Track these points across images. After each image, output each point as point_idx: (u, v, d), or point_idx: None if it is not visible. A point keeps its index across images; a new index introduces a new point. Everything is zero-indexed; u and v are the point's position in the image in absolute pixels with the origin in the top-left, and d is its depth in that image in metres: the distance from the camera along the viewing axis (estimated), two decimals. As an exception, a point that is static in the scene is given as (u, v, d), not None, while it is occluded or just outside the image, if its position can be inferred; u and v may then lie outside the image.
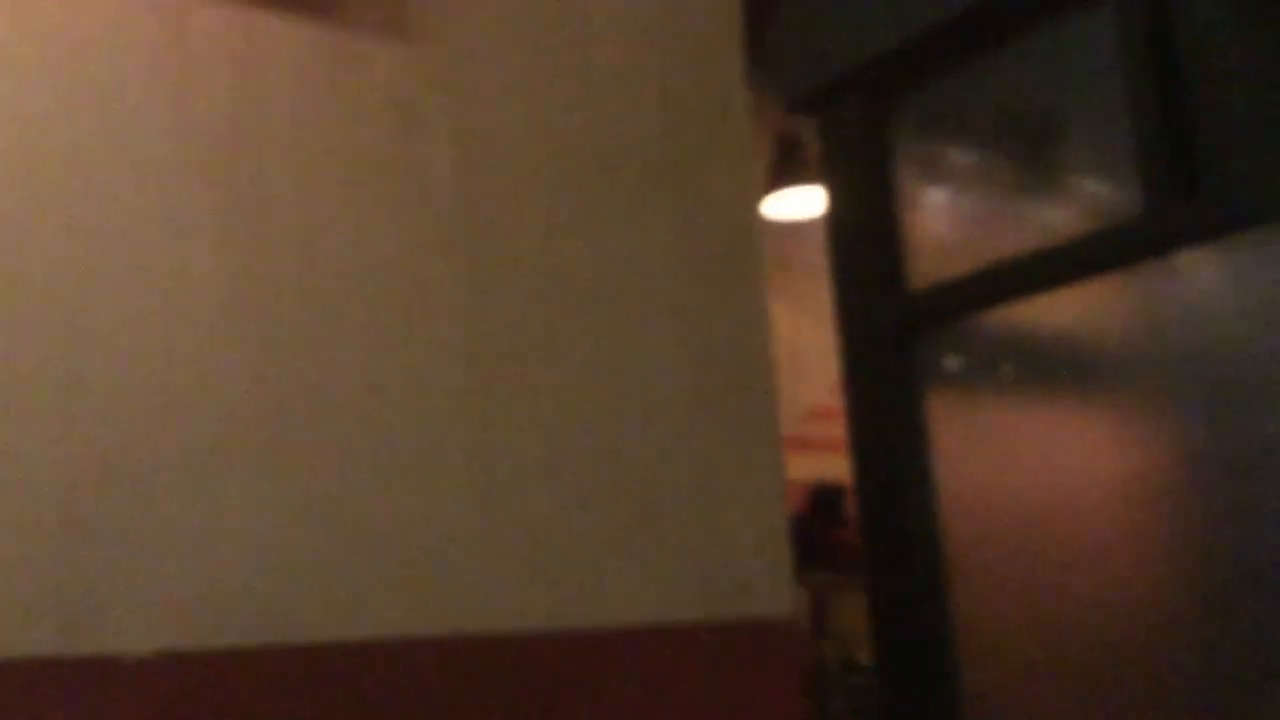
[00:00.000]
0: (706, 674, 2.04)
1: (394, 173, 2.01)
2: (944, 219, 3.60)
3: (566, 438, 2.06)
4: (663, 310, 2.15)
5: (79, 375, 1.79)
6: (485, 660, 1.93)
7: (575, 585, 2.00)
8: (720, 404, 2.19)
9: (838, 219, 3.68)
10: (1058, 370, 3.44)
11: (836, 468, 3.79)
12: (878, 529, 3.62)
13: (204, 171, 1.90)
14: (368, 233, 1.98)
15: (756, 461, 2.19)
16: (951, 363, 3.51)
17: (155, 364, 1.85)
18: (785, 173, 5.59)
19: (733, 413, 2.20)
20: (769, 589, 2.13)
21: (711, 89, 2.29)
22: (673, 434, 2.12)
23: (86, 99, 1.86)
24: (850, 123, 3.58)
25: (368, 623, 1.88)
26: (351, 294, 1.96)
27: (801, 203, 5.53)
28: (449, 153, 2.03)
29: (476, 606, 1.95)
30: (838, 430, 3.73)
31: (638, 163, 2.17)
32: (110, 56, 1.87)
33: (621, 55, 2.22)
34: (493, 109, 2.10)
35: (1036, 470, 3.35)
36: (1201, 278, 3.12)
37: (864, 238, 3.57)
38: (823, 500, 5.35)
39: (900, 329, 3.51)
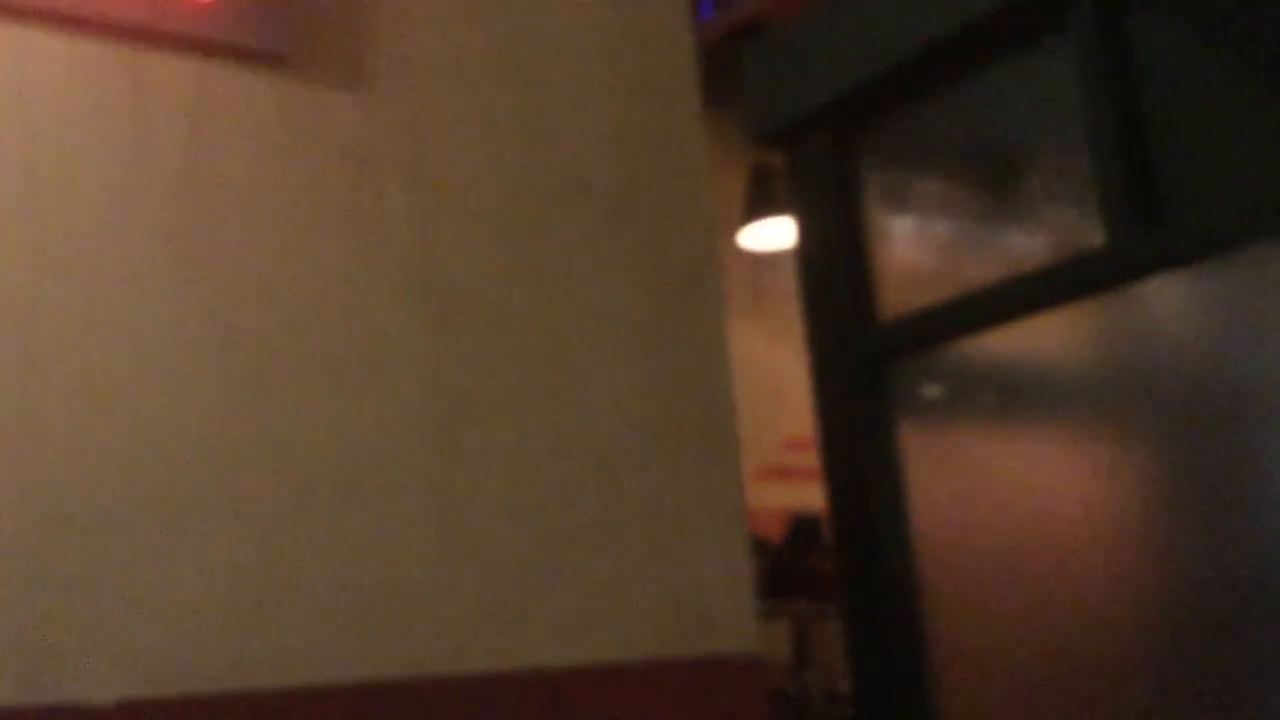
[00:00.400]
0: (672, 711, 2.05)
1: (351, 220, 2.03)
2: (912, 250, 3.63)
3: (528, 477, 2.07)
4: (622, 347, 2.16)
5: (36, 423, 1.81)
6: (450, 702, 1.94)
7: (539, 625, 2.01)
8: (681, 439, 2.20)
9: (807, 251, 3.71)
10: (1026, 397, 3.47)
11: (817, 497, 3.82)
12: (852, 557, 3.65)
13: (161, 222, 1.92)
14: (326, 280, 2.00)
15: (718, 496, 2.20)
16: (921, 391, 3.54)
17: (113, 413, 1.86)
18: (761, 204, 5.63)
19: (694, 448, 2.22)
20: (733, 624, 2.14)
21: (667, 125, 2.31)
22: (633, 470, 2.14)
23: (43, 153, 1.89)
24: (818, 156, 3.62)
25: (330, 667, 1.88)
26: (310, 341, 1.98)
27: (778, 233, 5.56)
28: (405, 198, 2.05)
29: (440, 648, 1.96)
30: (817, 459, 3.75)
31: (594, 200, 2.19)
32: (66, 110, 1.90)
33: (576, 95, 2.24)
34: (448, 154, 2.12)
35: (1007, 496, 3.37)
36: (1164, 306, 3.16)
37: (833, 269, 3.60)
38: (802, 529, 5.35)
39: (870, 359, 3.54)
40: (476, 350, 2.03)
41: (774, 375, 5.91)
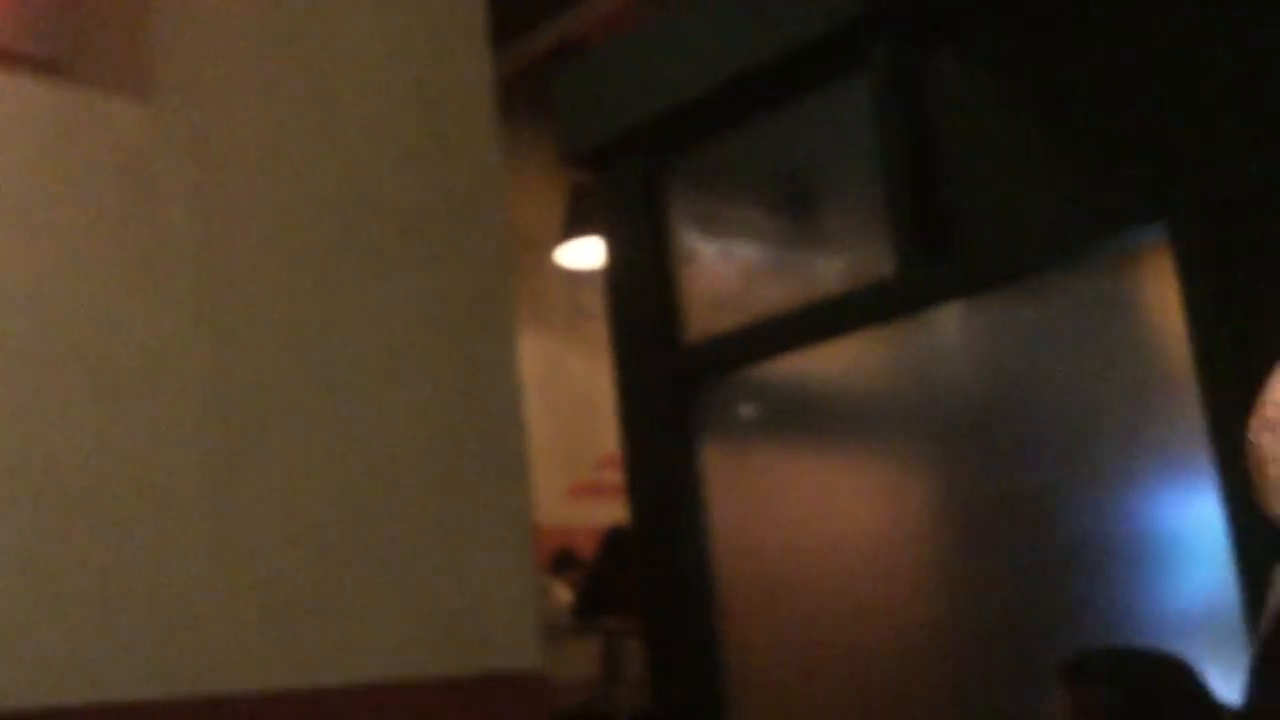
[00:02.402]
0: (451, 728, 2.07)
1: (131, 233, 1.98)
2: (717, 274, 3.71)
3: (309, 496, 2.05)
4: (410, 366, 2.17)
5: None
6: (222, 720, 1.92)
7: (317, 643, 1.99)
8: (468, 458, 2.22)
9: (615, 271, 3.77)
10: (822, 419, 3.58)
11: (631, 514, 3.86)
12: (653, 573, 3.70)
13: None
14: (100, 293, 1.96)
15: (504, 515, 2.22)
16: (723, 411, 3.62)
17: None
18: (580, 222, 5.67)
19: (480, 466, 2.23)
20: (514, 643, 2.15)
21: (463, 143, 2.32)
22: (417, 491, 2.14)
23: None
24: (627, 178, 3.68)
25: (97, 687, 1.84)
26: (80, 355, 1.93)
27: (597, 252, 5.60)
28: (189, 212, 2.02)
29: (214, 667, 1.93)
30: (626, 476, 3.79)
31: (386, 219, 2.19)
32: None
33: (369, 111, 2.24)
34: (236, 168, 2.10)
35: (804, 513, 3.47)
36: (950, 334, 3.30)
37: (640, 290, 3.66)
38: (615, 546, 5.39)
39: (674, 379, 3.61)
40: (257, 368, 2.01)
41: (591, 392, 5.95)
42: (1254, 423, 1.46)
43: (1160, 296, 2.75)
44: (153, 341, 2.00)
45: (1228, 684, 2.59)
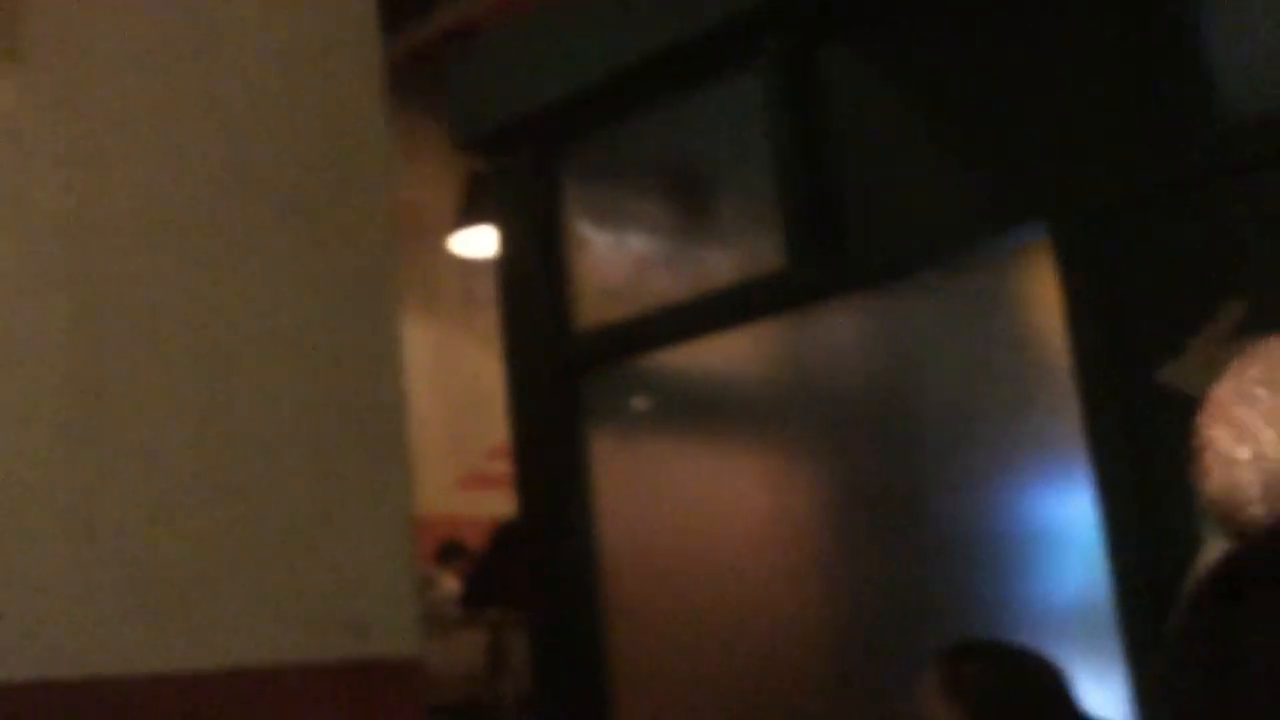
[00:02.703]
0: (323, 714, 2.02)
1: (-5, 199, 1.92)
2: (610, 264, 3.70)
3: (179, 475, 2.00)
4: (288, 347, 2.11)
5: None
6: (83, 705, 1.85)
7: (185, 626, 1.94)
8: (347, 442, 2.17)
9: (508, 259, 3.74)
10: (713, 411, 3.59)
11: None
12: (539, 564, 3.68)
13: None
14: (-39, 258, 1.89)
15: (383, 501, 2.18)
16: (613, 402, 3.61)
17: None
18: (476, 210, 5.63)
19: (360, 451, 2.19)
20: (393, 630, 2.12)
21: (350, 123, 2.28)
22: (293, 473, 2.09)
23: None
24: (521, 167, 3.64)
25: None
26: (-70, 327, 1.86)
27: (490, 240, 5.56)
28: (58, 179, 1.95)
29: (74, 650, 1.86)
30: (515, 467, 3.76)
31: (267, 196, 2.14)
32: None
33: (253, 85, 2.18)
34: (109, 135, 2.03)
35: (691, 506, 3.48)
36: (840, 328, 3.33)
37: (532, 280, 3.64)
38: (504, 537, 5.36)
39: (565, 369, 3.59)
40: (124, 341, 1.95)
41: (483, 382, 5.91)
42: (1203, 409, 1.54)
43: (1042, 296, 2.80)
44: (14, 314, 1.93)
45: (1097, 680, 2.66)
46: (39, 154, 1.99)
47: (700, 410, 3.57)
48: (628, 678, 3.51)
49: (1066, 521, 2.76)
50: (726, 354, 3.48)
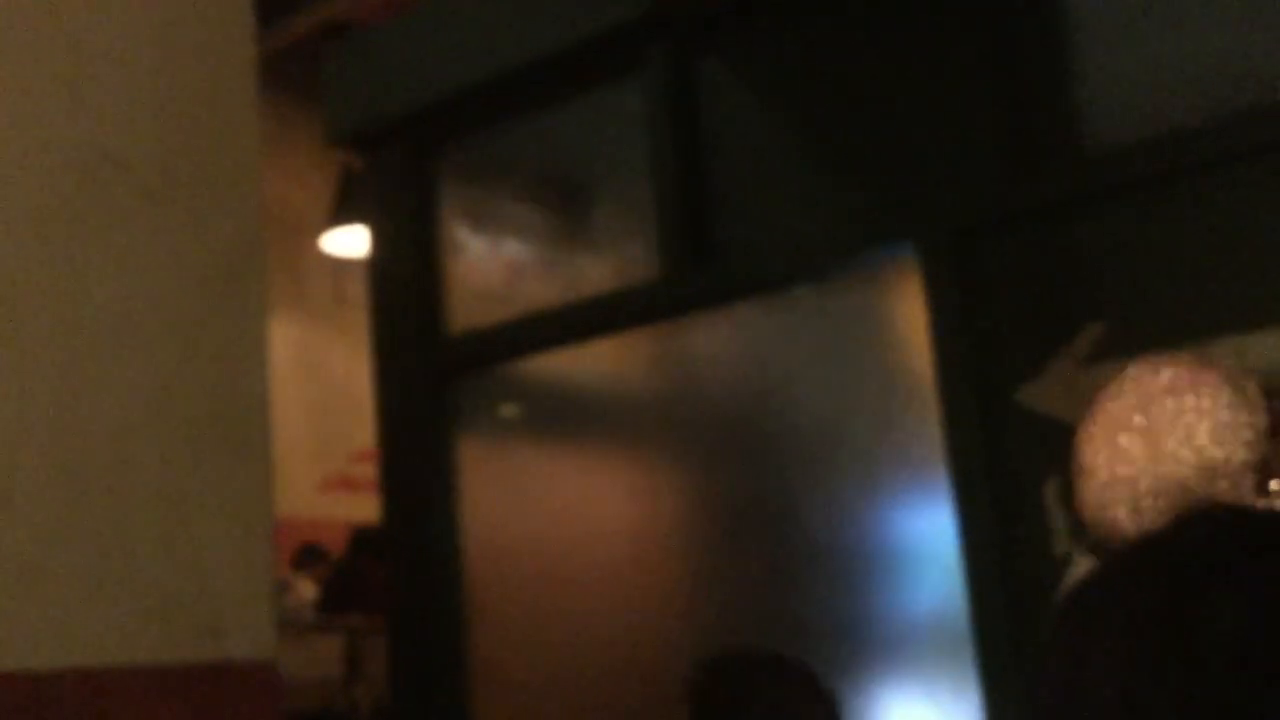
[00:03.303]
0: (174, 717, 1.95)
1: None
2: (484, 268, 3.67)
3: (26, 465, 1.91)
4: (147, 335, 2.04)
5: None
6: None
7: (25, 622, 1.85)
8: (207, 436, 2.10)
9: (379, 260, 3.68)
10: (582, 419, 3.57)
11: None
12: (401, 570, 3.62)
13: None
14: None
15: (242, 499, 2.11)
16: (482, 408, 3.58)
17: None
18: (349, 208, 5.53)
19: (220, 447, 2.12)
20: (247, 630, 2.05)
21: (218, 108, 2.21)
22: (149, 465, 2.02)
23: None
24: (394, 165, 3.59)
25: None
26: None
27: (363, 240, 5.47)
28: (-94, 157, 1.87)
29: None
30: (380, 471, 3.70)
31: (131, 179, 2.06)
32: None
33: (119, 64, 2.10)
34: (-37, 114, 1.95)
35: (556, 514, 3.46)
36: (711, 339, 3.34)
37: (404, 281, 3.58)
38: (364, 542, 5.28)
39: (434, 373, 3.54)
40: (-32, 320, 1.86)
41: (350, 384, 5.82)
42: (1081, 433, 1.61)
43: (908, 313, 2.85)
44: None
45: (953, 695, 2.71)
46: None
47: (569, 418, 3.55)
48: (486, 686, 3.48)
49: (926, 537, 2.81)
50: (597, 362, 3.47)
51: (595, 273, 3.48)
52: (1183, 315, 2.48)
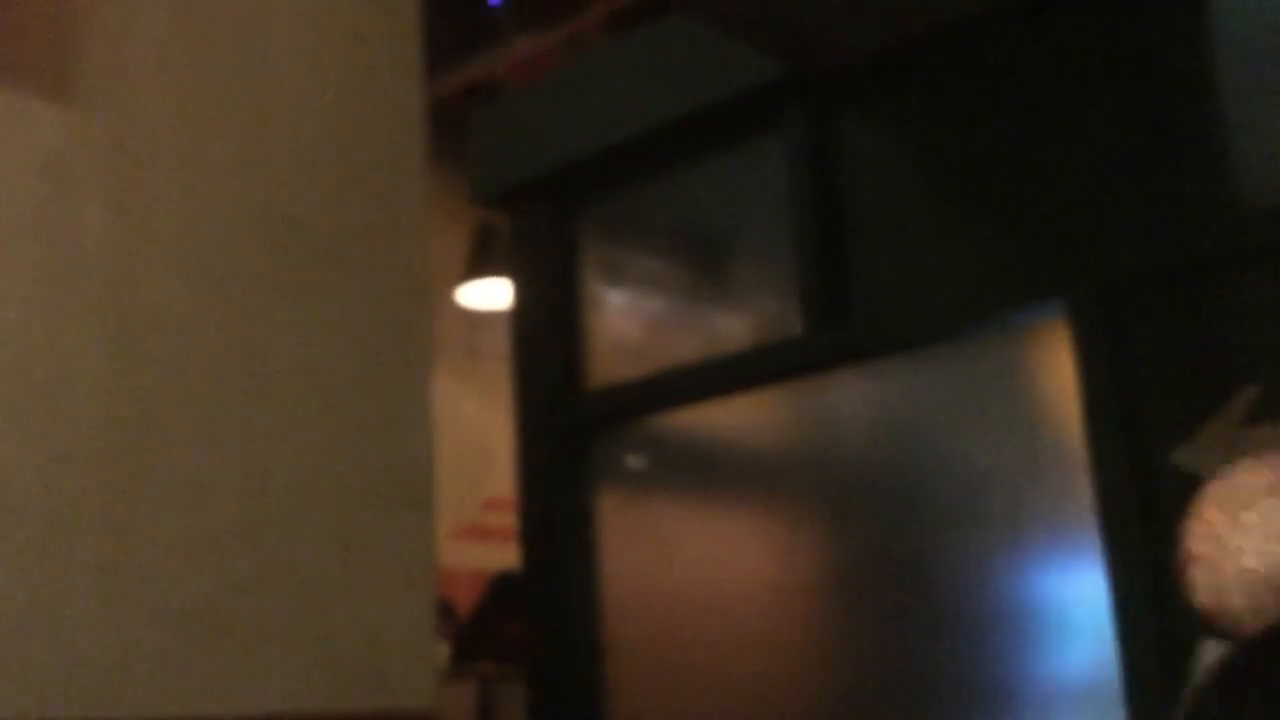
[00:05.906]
0: (338, 766, 2.02)
1: (42, 237, 1.92)
2: (624, 323, 3.72)
3: (209, 521, 1.99)
4: (322, 393, 2.13)
5: None
6: (106, 750, 1.84)
7: (201, 672, 1.93)
8: (375, 491, 2.18)
9: (522, 314, 3.75)
10: (721, 474, 3.59)
11: (514, 559, 3.82)
12: (540, 621, 3.67)
13: None
14: (7, 295, 1.89)
15: (408, 551, 2.18)
16: (622, 461, 3.62)
17: None
18: (483, 262, 5.66)
19: (387, 500, 2.19)
20: (410, 681, 2.11)
21: (388, 173, 2.30)
22: (322, 518, 2.09)
23: None
24: (538, 222, 3.67)
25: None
26: (-19, 361, 1.86)
27: (497, 293, 5.60)
28: (105, 219, 1.96)
29: (93, 692, 1.85)
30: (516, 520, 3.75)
31: (305, 242, 2.15)
32: None
33: (296, 133, 2.21)
34: (156, 177, 2.05)
35: (697, 570, 3.47)
36: (851, 396, 3.34)
37: (546, 335, 3.65)
38: (501, 590, 5.35)
39: (574, 425, 3.59)
40: (164, 383, 1.96)
41: (481, 434, 5.91)
42: (1186, 524, 1.66)
43: (1056, 371, 2.82)
44: (55, 351, 1.93)
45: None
46: (86, 195, 2.01)
47: (706, 472, 3.57)
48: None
49: (1076, 601, 2.77)
50: (736, 417, 3.49)
51: (734, 328, 3.51)
52: (1345, 377, 2.42)
